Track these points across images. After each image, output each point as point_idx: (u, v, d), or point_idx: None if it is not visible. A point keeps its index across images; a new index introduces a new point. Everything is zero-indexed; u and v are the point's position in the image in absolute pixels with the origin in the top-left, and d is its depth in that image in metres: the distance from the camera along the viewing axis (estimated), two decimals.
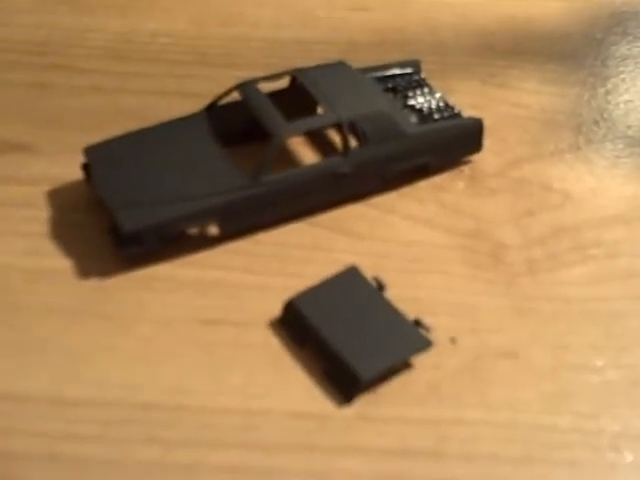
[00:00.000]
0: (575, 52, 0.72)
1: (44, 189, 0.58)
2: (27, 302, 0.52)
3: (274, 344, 0.51)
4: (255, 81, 0.59)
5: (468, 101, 0.68)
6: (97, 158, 0.56)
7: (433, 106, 0.63)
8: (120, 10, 0.74)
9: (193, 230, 0.54)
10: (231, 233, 0.55)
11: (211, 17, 0.74)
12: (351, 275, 0.53)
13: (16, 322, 0.51)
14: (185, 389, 0.48)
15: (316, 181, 0.56)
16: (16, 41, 0.71)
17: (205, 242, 0.55)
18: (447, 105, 0.63)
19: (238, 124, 0.60)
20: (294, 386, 0.49)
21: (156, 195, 0.53)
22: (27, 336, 0.50)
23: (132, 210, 0.53)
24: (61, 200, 0.58)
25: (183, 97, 0.66)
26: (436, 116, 0.61)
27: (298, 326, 0.50)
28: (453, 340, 0.51)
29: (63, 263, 0.54)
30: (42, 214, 0.57)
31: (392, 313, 0.51)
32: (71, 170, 0.59)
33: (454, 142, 0.61)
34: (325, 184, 0.56)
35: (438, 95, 0.63)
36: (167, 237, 0.53)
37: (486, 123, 0.66)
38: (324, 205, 0.58)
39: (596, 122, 0.67)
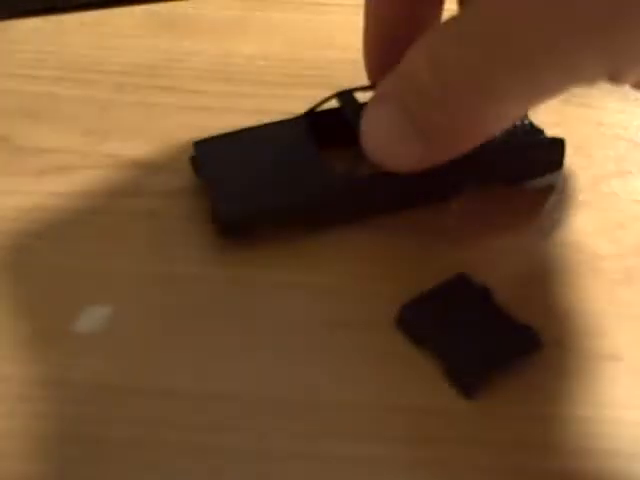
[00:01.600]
0: None
1: (165, 201, 0.62)
2: (157, 304, 0.56)
3: (390, 347, 0.54)
4: (353, 90, 0.63)
5: (552, 120, 0.71)
6: (204, 152, 0.62)
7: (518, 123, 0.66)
8: (217, 35, 0.79)
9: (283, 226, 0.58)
10: (324, 228, 0.59)
11: (302, 41, 0.79)
12: (460, 281, 0.56)
13: (148, 323, 0.54)
14: (315, 387, 0.52)
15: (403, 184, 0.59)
16: (122, 64, 0.75)
17: (303, 246, 0.59)
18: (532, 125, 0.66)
19: (334, 129, 0.63)
20: (413, 384, 0.52)
21: (253, 188, 0.58)
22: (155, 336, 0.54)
23: (231, 201, 0.58)
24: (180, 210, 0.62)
25: (283, 115, 0.70)
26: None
27: (414, 328, 0.54)
28: (560, 343, 0.54)
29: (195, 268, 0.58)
30: (160, 222, 0.61)
31: (501, 316, 0.54)
32: (186, 182, 0.63)
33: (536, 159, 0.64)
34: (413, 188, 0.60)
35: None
36: (264, 228, 0.58)
37: (571, 141, 0.69)
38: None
39: None
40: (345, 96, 0.63)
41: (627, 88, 0.74)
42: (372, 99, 0.55)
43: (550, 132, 0.70)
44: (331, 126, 0.63)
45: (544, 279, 0.58)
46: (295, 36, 0.79)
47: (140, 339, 0.54)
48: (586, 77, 0.47)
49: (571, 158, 0.68)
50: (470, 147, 0.53)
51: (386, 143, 0.53)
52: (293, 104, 0.70)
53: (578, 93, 0.74)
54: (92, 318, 0.54)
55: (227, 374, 0.52)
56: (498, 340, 0.53)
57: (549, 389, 0.52)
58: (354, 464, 0.49)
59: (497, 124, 0.52)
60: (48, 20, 0.80)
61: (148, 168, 0.65)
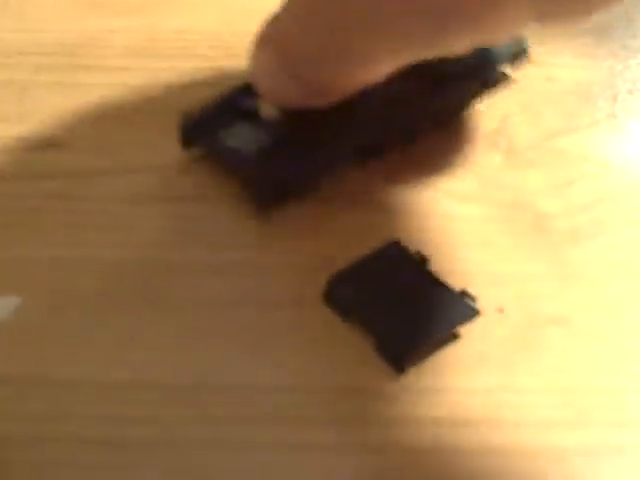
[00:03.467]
0: (606, 24, 0.72)
1: (80, 182, 0.58)
2: (70, 289, 0.52)
3: (318, 322, 0.50)
4: None
5: None
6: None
7: None
8: (144, 12, 0.75)
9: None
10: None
11: (236, 13, 0.74)
12: (393, 249, 0.52)
13: (59, 310, 0.51)
14: (232, 370, 0.48)
15: None
16: (44, 44, 0.71)
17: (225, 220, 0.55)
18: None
19: None
20: (341, 362, 0.48)
21: None
22: (69, 323, 0.50)
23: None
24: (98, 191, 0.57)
25: (213, 88, 0.66)
26: None
27: (343, 303, 0.50)
28: (500, 309, 0.50)
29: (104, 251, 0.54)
30: (82, 204, 0.57)
31: (437, 285, 0.50)
32: (108, 164, 0.59)
33: None
34: None
35: None
36: None
37: (518, 98, 0.65)
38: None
39: (630, 92, 0.66)
40: None
41: (579, 42, 0.72)
42: (256, 39, 0.54)
43: (497, 90, 0.66)
44: None
45: (486, 242, 0.54)
46: (228, 8, 0.75)
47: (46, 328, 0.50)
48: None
49: (519, 116, 0.64)
50: (348, 94, 0.51)
51: (270, 84, 0.53)
52: (221, 77, 0.67)
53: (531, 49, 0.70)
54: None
55: (139, 361, 0.48)
56: (431, 309, 0.49)
57: (489, 359, 0.48)
58: (277, 451, 0.45)
59: (367, 78, 0.51)
60: None
61: (64, 149, 0.61)
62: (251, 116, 0.57)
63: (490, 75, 0.61)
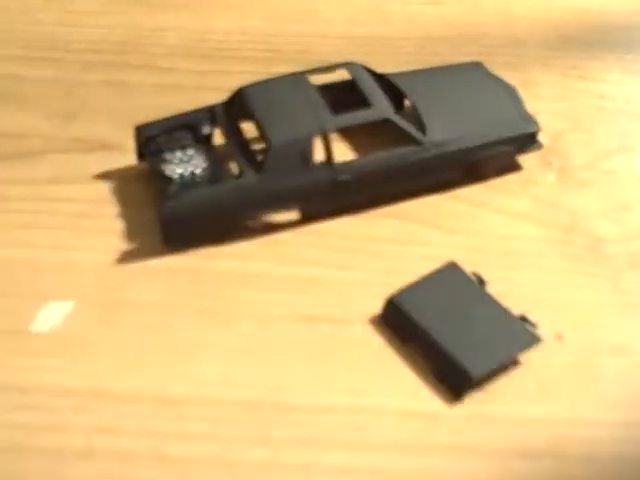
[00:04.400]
0: None
1: (132, 186, 0.58)
2: (122, 298, 0.51)
3: (376, 342, 0.50)
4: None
5: (550, 93, 0.67)
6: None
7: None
8: (193, 9, 0.74)
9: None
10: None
11: (285, 14, 0.74)
12: (451, 271, 0.51)
13: (113, 319, 0.50)
14: (289, 387, 0.47)
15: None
16: (93, 42, 0.70)
17: (291, 236, 0.55)
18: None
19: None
20: (400, 384, 0.48)
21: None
22: (125, 333, 0.49)
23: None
24: (147, 196, 0.57)
25: None
26: None
27: (401, 323, 0.49)
28: (559, 336, 0.50)
29: (153, 259, 0.53)
30: (130, 211, 0.56)
31: (496, 309, 0.50)
32: None
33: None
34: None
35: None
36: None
37: (570, 114, 0.65)
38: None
39: None
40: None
41: (628, 59, 0.71)
42: None
43: (549, 106, 0.65)
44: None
45: (543, 265, 0.54)
46: (276, 9, 0.74)
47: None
48: None
49: (572, 134, 0.63)
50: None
51: None
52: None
53: (579, 65, 0.69)
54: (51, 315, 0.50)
55: (188, 374, 0.48)
56: (492, 335, 0.48)
57: (550, 388, 0.47)
58: (328, 474, 0.44)
59: None
60: None
61: (115, 150, 0.60)
62: (204, 142, 0.56)
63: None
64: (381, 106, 0.56)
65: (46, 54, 0.69)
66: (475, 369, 0.46)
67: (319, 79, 0.59)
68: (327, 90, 0.58)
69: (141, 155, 0.58)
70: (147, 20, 0.72)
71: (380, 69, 0.65)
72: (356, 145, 0.60)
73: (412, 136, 0.56)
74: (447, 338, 0.48)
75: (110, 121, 0.63)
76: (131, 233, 0.55)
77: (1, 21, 0.72)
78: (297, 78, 0.57)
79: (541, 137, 0.60)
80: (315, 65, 0.67)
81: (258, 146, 0.57)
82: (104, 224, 0.55)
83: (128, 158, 0.59)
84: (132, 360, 0.48)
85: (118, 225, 0.55)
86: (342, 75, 0.60)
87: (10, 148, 0.61)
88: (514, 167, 0.60)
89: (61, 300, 0.51)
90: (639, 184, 0.60)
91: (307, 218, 0.55)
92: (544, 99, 0.66)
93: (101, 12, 0.73)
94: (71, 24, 0.72)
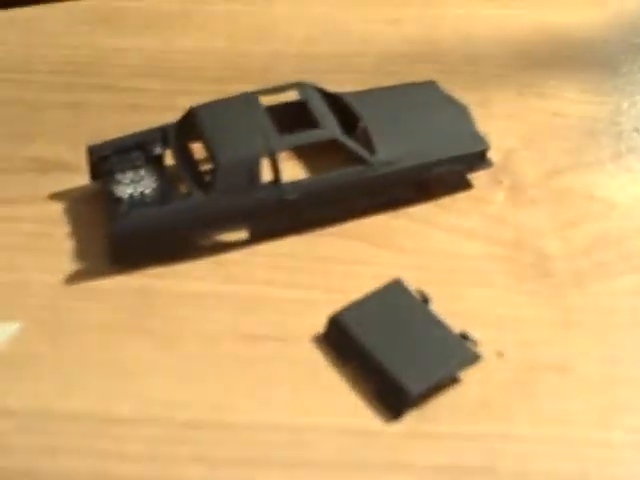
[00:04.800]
0: (612, 60, 0.72)
1: (85, 206, 0.58)
2: (69, 318, 0.52)
3: (319, 360, 0.50)
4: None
5: (505, 111, 0.67)
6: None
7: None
8: (155, 29, 0.75)
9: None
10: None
11: (245, 34, 0.75)
12: (395, 288, 0.52)
13: (59, 339, 0.51)
14: (230, 406, 0.48)
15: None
16: (55, 62, 0.71)
17: (239, 256, 0.55)
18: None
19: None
20: (341, 402, 0.48)
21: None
22: (70, 352, 0.50)
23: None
24: (98, 216, 0.57)
25: None
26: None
27: (343, 341, 0.50)
28: (500, 354, 0.50)
29: (103, 279, 0.54)
30: (82, 231, 0.57)
31: (438, 327, 0.50)
32: None
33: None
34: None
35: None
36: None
37: (524, 132, 0.66)
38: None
39: (637, 129, 0.66)
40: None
41: (585, 76, 0.72)
42: None
43: (503, 124, 0.66)
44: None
45: (487, 282, 0.55)
46: (236, 29, 0.75)
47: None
48: None
49: (523, 151, 0.64)
50: None
51: None
52: None
53: (534, 83, 0.70)
54: None
55: (131, 394, 0.48)
56: (432, 353, 0.49)
57: (489, 405, 0.48)
58: None
59: None
60: None
61: (71, 171, 0.61)
62: (155, 162, 0.57)
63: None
64: (329, 126, 0.57)
65: (7, 75, 0.70)
66: (413, 387, 0.47)
67: (271, 99, 0.60)
68: (277, 110, 0.59)
69: (94, 175, 0.58)
70: (109, 41, 0.73)
71: (337, 87, 0.66)
72: (305, 165, 0.61)
73: (360, 156, 0.56)
74: (387, 356, 0.48)
75: (68, 141, 0.64)
76: (82, 253, 0.55)
77: None
78: (248, 98, 0.58)
79: (492, 155, 0.61)
80: (275, 84, 0.69)
81: (207, 166, 0.58)
82: (56, 244, 0.56)
83: (83, 178, 0.60)
84: (76, 379, 0.49)
85: (70, 245, 0.56)
86: (294, 95, 0.61)
87: None
88: (464, 185, 0.60)
89: (7, 320, 0.51)
90: (588, 202, 0.60)
91: (255, 237, 0.56)
92: (498, 117, 0.66)
93: (65, 32, 0.74)
94: (34, 44, 0.73)
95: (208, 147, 0.55)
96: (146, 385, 0.49)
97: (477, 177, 0.61)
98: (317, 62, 0.72)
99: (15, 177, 0.61)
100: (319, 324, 0.51)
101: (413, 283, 0.54)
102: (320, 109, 0.58)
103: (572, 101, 0.69)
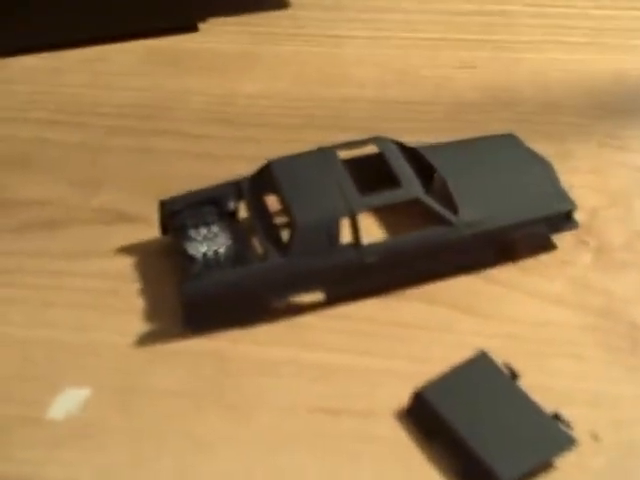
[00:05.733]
0: None
1: (154, 261, 0.56)
2: (140, 384, 0.50)
3: (402, 437, 0.47)
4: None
5: (587, 166, 0.65)
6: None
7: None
8: (220, 71, 0.73)
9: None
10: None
11: (314, 77, 0.73)
12: (481, 362, 0.49)
13: (130, 406, 0.49)
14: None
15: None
16: (120, 105, 0.69)
17: (316, 320, 0.53)
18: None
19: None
20: None
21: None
22: (142, 421, 0.48)
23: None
24: (169, 273, 0.55)
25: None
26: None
27: (428, 418, 0.47)
28: (595, 436, 0.47)
29: (174, 342, 0.52)
30: (152, 288, 0.55)
31: (528, 405, 0.47)
32: None
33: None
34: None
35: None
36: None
37: (608, 188, 0.63)
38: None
39: None
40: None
41: None
42: None
43: (585, 179, 0.63)
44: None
45: (579, 355, 0.52)
46: (306, 72, 0.73)
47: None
48: None
49: (608, 210, 0.61)
50: None
51: None
52: (299, 148, 0.64)
53: (616, 134, 0.67)
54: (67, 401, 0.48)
55: (205, 468, 0.46)
56: (523, 435, 0.46)
57: None
58: None
59: None
60: (45, 57, 0.75)
61: (139, 222, 0.59)
62: (229, 217, 0.55)
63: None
64: (411, 185, 0.54)
65: (73, 118, 0.69)
66: (505, 473, 0.44)
67: (348, 152, 0.58)
68: (355, 165, 0.57)
69: (165, 229, 0.57)
70: (174, 82, 0.72)
71: (410, 136, 0.63)
72: (384, 222, 0.58)
73: (442, 216, 0.54)
74: (475, 437, 0.46)
75: (134, 191, 0.62)
76: (152, 312, 0.53)
77: (33, 82, 0.72)
78: (325, 153, 0.56)
79: (577, 215, 0.58)
80: (346, 131, 0.66)
81: (283, 220, 0.55)
82: (125, 302, 0.54)
83: (152, 231, 0.58)
84: (147, 451, 0.47)
85: (139, 303, 0.54)
86: (371, 147, 0.59)
87: (31, 217, 0.60)
88: (548, 247, 0.58)
89: (78, 385, 0.49)
90: None
91: (333, 299, 0.54)
92: (580, 172, 0.64)
93: (130, 74, 0.73)
94: (99, 86, 0.72)
95: (285, 204, 0.53)
96: (219, 460, 0.46)
97: (561, 237, 0.58)
98: (388, 109, 0.70)
99: (81, 228, 0.59)
100: (402, 397, 0.49)
101: (499, 353, 0.51)
102: (399, 164, 0.56)
103: None
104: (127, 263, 0.57)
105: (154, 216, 0.58)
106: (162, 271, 0.56)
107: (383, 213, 0.58)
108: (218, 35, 0.77)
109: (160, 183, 0.62)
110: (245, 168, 0.60)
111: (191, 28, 0.78)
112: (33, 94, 0.71)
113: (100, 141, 0.66)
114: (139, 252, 0.57)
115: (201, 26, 0.78)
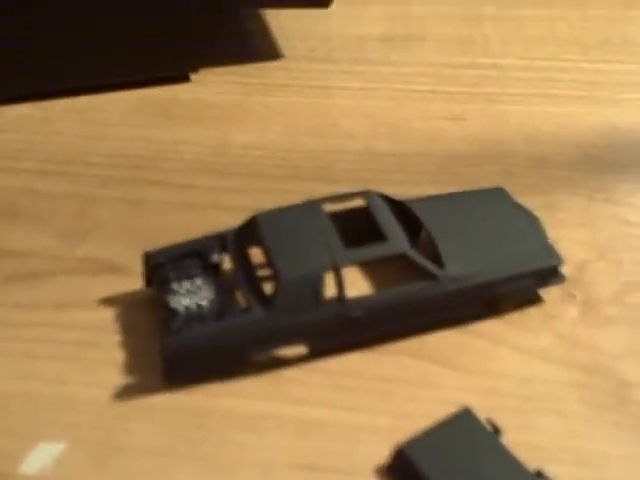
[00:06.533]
0: None
1: (137, 313, 0.56)
2: (118, 440, 0.49)
3: None
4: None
5: (576, 219, 0.64)
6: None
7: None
8: (211, 122, 0.73)
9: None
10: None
11: (304, 129, 0.73)
12: (464, 418, 0.49)
13: (106, 463, 0.48)
14: None
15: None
16: (110, 155, 0.70)
17: (299, 373, 0.52)
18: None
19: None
20: None
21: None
22: (118, 479, 0.47)
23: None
24: (151, 326, 0.55)
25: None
26: None
27: (409, 476, 0.46)
28: None
29: (154, 396, 0.51)
30: (133, 341, 0.55)
31: (511, 463, 0.47)
32: None
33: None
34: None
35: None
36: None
37: (595, 242, 0.62)
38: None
39: None
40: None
41: None
42: None
43: (573, 233, 0.63)
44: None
45: (564, 412, 0.51)
46: (296, 122, 0.73)
47: None
48: None
49: (595, 264, 0.61)
50: None
51: None
52: (288, 199, 0.64)
53: (604, 187, 0.67)
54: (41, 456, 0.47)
55: None
56: None
57: None
58: None
59: None
60: (36, 106, 0.75)
61: (123, 274, 0.59)
62: (213, 270, 0.55)
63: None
64: (397, 240, 0.54)
65: (63, 168, 0.69)
66: None
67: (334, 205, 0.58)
68: (342, 218, 0.57)
69: (149, 281, 0.56)
70: (165, 133, 0.72)
71: (399, 188, 0.64)
72: (370, 275, 0.58)
73: (428, 271, 0.53)
74: None
75: (121, 241, 0.62)
76: (133, 366, 0.53)
77: (23, 130, 0.73)
78: (312, 207, 0.56)
79: (564, 268, 0.58)
80: (333, 183, 0.66)
81: (267, 273, 0.55)
82: (106, 355, 0.54)
83: (136, 282, 0.58)
84: None
85: (120, 356, 0.54)
86: (359, 200, 0.59)
87: (15, 268, 0.60)
88: (534, 300, 0.57)
89: (54, 440, 0.48)
90: None
91: (316, 353, 0.53)
92: (568, 224, 0.64)
93: (121, 124, 0.73)
94: (90, 136, 0.72)
95: (269, 258, 0.53)
96: None
97: (548, 291, 0.58)
98: (378, 161, 0.70)
99: (65, 279, 0.59)
100: (383, 453, 0.48)
101: (483, 409, 0.50)
102: (386, 218, 0.56)
103: None
104: (110, 314, 0.56)
105: (139, 267, 0.58)
106: (144, 323, 0.55)
107: (369, 266, 0.58)
108: (210, 85, 0.78)
109: (147, 234, 0.62)
110: (230, 219, 0.60)
111: (183, 78, 0.78)
112: (24, 143, 0.71)
113: (89, 191, 0.66)
114: (122, 303, 0.57)
115: (193, 76, 0.79)
